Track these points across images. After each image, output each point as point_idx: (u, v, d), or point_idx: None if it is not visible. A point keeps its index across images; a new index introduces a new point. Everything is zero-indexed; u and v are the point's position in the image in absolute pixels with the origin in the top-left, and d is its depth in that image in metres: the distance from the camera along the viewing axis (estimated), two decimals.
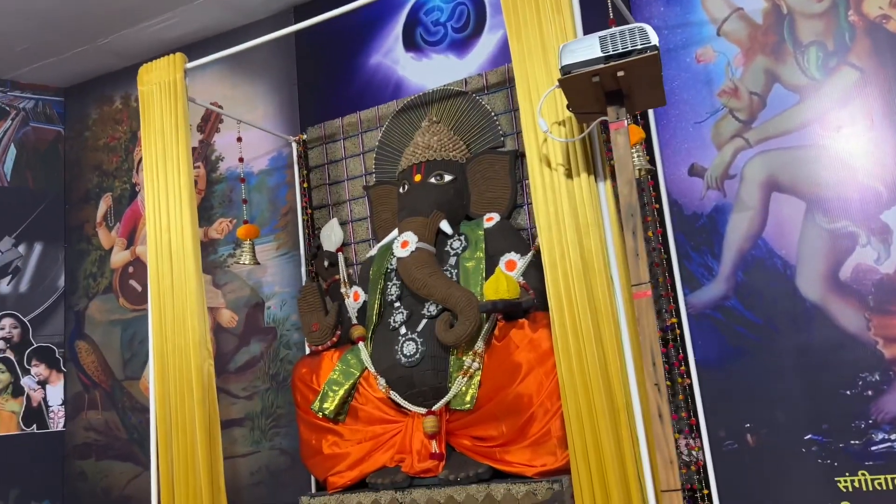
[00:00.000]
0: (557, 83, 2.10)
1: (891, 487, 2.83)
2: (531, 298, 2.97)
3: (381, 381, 3.20)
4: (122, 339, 4.74)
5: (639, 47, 1.93)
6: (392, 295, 3.34)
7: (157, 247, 3.22)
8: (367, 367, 3.27)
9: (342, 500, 3.14)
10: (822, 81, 3.14)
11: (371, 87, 4.19)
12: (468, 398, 3.03)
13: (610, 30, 2.01)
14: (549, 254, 2.41)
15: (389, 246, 3.51)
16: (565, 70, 2.00)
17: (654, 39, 1.95)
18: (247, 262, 3.79)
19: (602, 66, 1.96)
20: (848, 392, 2.95)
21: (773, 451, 3.04)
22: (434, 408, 3.08)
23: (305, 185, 4.06)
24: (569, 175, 2.39)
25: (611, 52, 1.95)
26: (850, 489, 2.90)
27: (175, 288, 3.13)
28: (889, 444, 2.87)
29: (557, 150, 2.42)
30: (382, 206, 3.74)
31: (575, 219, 2.36)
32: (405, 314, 3.25)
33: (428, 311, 3.20)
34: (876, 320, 2.94)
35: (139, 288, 4.75)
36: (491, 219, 3.36)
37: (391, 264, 3.44)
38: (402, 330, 3.21)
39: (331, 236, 3.82)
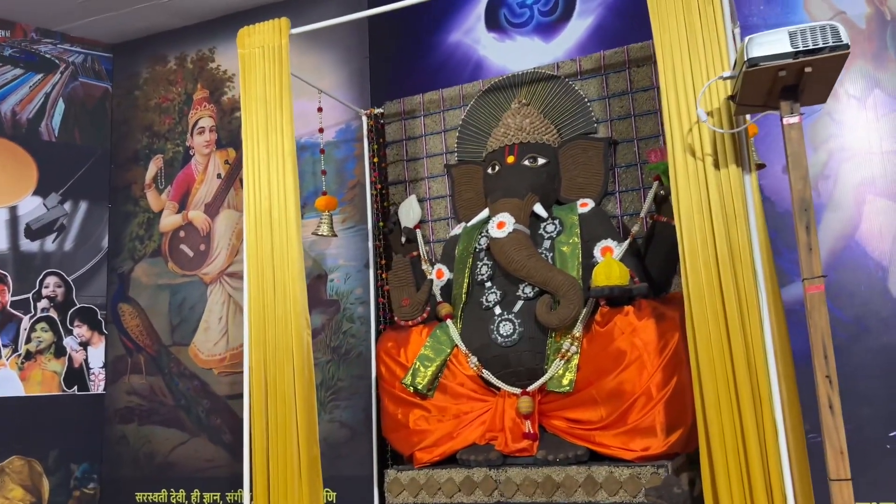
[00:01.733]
0: (736, 73, 2.13)
1: None
2: (642, 286, 3.01)
3: (473, 359, 3.22)
4: (171, 303, 4.67)
5: (831, 44, 1.96)
6: (483, 275, 3.35)
7: (256, 214, 3.18)
8: (457, 345, 3.28)
9: (431, 475, 3.16)
10: None
11: (449, 65, 4.17)
12: (565, 381, 3.06)
13: (799, 25, 2.04)
14: (690, 242, 2.44)
15: (477, 225, 3.51)
16: (752, 62, 2.02)
17: (846, 38, 1.98)
18: (325, 232, 3.77)
19: (791, 60, 1.99)
20: None
21: (858, 446, 3.12)
22: (529, 388, 3.11)
23: (376, 159, 4.03)
24: (716, 165, 2.42)
25: (801, 48, 1.98)
26: None
27: (276, 256, 3.10)
28: None
29: (706, 139, 2.45)
30: (465, 186, 3.74)
31: (722, 208, 2.40)
32: (498, 294, 3.26)
33: (524, 293, 3.21)
34: None
35: (190, 253, 4.68)
36: (585, 204, 3.38)
37: (479, 244, 3.44)
38: (497, 310, 3.23)
39: (409, 212, 3.81)
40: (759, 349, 2.31)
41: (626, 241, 3.23)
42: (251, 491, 3.01)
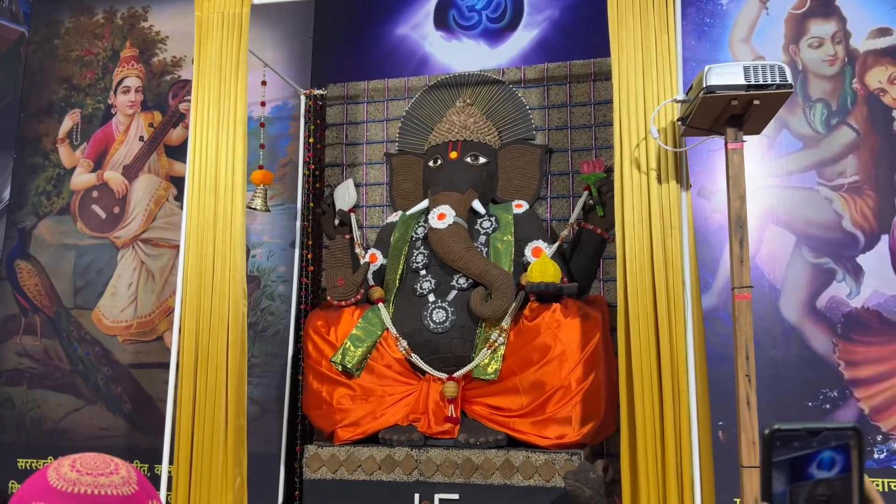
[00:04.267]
0: (691, 98, 2.35)
1: None
2: (572, 286, 3.21)
3: (403, 343, 3.32)
4: (77, 265, 4.48)
5: (778, 82, 2.22)
6: (418, 263, 3.46)
7: (200, 180, 3.14)
8: (387, 328, 3.37)
9: (352, 452, 3.22)
10: (824, 135, 3.61)
11: (394, 56, 4.25)
12: (491, 370, 3.22)
13: (752, 62, 2.29)
14: (630, 247, 2.66)
15: (415, 215, 3.62)
16: (710, 89, 2.25)
17: (791, 79, 2.24)
18: (259, 206, 3.74)
19: (743, 92, 2.23)
20: (810, 403, 3.44)
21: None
22: (456, 374, 3.24)
23: (311, 140, 4.05)
24: (659, 180, 2.65)
25: (752, 82, 2.23)
26: None
27: (218, 224, 3.08)
28: None
29: (651, 155, 2.68)
30: (404, 176, 3.83)
31: (661, 219, 2.63)
32: (433, 283, 3.38)
33: (458, 283, 3.35)
34: (841, 346, 3.44)
35: (103, 215, 4.51)
36: (520, 206, 3.56)
37: (416, 233, 3.55)
38: (431, 298, 3.34)
39: (345, 196, 3.86)
40: (681, 347, 2.55)
41: (556, 244, 3.44)
42: (171, 455, 2.98)
